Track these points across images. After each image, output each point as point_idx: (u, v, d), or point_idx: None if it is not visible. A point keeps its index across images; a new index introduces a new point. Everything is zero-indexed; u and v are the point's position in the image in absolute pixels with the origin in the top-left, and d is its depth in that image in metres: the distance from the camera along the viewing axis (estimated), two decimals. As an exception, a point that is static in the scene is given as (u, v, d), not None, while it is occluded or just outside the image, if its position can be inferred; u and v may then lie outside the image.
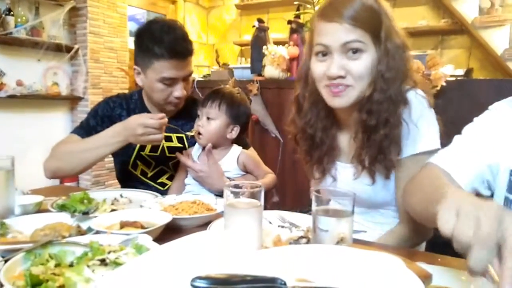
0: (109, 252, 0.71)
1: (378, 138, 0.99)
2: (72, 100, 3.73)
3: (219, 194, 1.30)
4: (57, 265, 0.69)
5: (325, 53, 0.99)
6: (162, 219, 0.92)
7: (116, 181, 1.62)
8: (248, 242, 0.70)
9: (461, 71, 3.17)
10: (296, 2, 2.74)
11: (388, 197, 1.07)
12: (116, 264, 0.68)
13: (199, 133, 1.34)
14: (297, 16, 2.58)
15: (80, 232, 0.85)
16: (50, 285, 0.61)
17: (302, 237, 0.86)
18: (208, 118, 1.34)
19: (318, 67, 1.01)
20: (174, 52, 1.30)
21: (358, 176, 1.06)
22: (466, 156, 0.89)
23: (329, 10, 0.97)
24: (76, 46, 3.60)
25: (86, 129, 1.46)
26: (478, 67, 4.04)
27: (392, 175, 1.03)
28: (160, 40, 1.30)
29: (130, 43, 4.23)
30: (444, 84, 2.10)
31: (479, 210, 0.50)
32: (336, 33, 0.95)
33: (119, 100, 1.54)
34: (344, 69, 0.96)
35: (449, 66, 3.56)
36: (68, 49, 3.55)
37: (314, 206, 0.73)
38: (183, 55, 1.32)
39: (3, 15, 3.08)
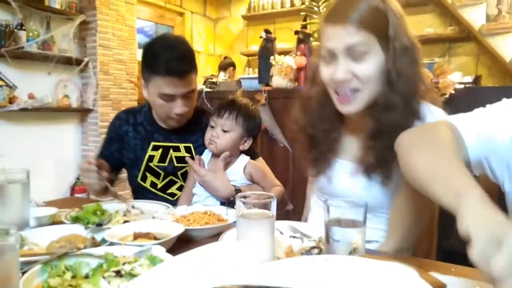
0: (124, 264, 0.72)
1: (382, 147, 0.99)
2: (82, 112, 3.78)
3: (225, 202, 1.31)
4: (73, 277, 0.70)
5: (331, 57, 0.98)
6: (174, 230, 0.93)
7: (125, 192, 1.64)
8: (261, 253, 0.71)
9: (469, 78, 3.16)
10: (302, 13, 2.77)
11: (385, 201, 1.06)
12: (131, 275, 0.69)
13: (212, 141, 1.35)
14: (304, 27, 2.60)
15: (95, 244, 0.86)
16: (67, 297, 0.62)
17: (314, 247, 0.86)
18: (223, 130, 1.35)
19: (325, 72, 1.01)
20: (169, 70, 1.31)
21: (356, 175, 1.05)
22: (483, 123, 0.82)
23: (333, 14, 0.98)
24: (86, 59, 3.66)
25: (99, 156, 1.55)
26: (487, 74, 4.02)
27: (390, 182, 1.02)
28: (159, 56, 1.32)
29: (139, 55, 4.29)
30: (452, 92, 2.10)
31: None
32: (340, 37, 0.94)
33: (126, 116, 1.57)
34: (350, 73, 0.95)
35: (457, 74, 3.55)
36: (78, 62, 3.61)
37: (326, 217, 0.73)
38: (178, 74, 1.32)
39: (15, 30, 3.15)
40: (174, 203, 1.43)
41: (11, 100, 3.15)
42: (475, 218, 0.52)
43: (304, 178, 1.44)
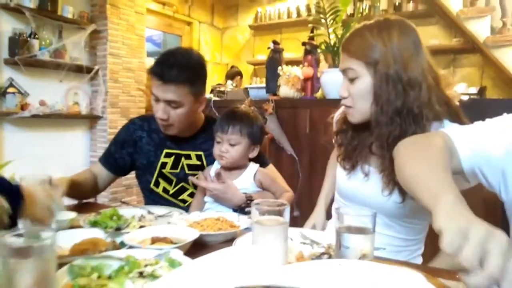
0: (145, 266, 0.76)
1: (384, 158, 1.08)
2: (92, 119, 3.85)
3: (237, 210, 1.35)
4: (98, 277, 0.74)
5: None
6: (190, 235, 0.97)
7: (132, 198, 1.69)
8: (275, 258, 0.75)
9: (474, 90, 3.20)
10: (310, 25, 2.83)
11: (402, 211, 1.11)
12: (153, 276, 0.73)
13: (222, 156, 1.39)
14: (311, 38, 2.66)
15: (115, 247, 0.91)
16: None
17: (323, 253, 0.90)
18: (230, 144, 1.38)
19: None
20: (156, 72, 1.38)
21: (385, 188, 1.11)
22: (478, 134, 0.88)
23: (343, 42, 1.14)
24: (96, 67, 3.74)
25: (106, 156, 1.62)
26: (491, 85, 4.06)
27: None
28: (158, 59, 1.42)
29: (148, 63, 4.37)
30: (457, 103, 2.14)
31: (489, 243, 0.53)
32: (341, 62, 1.13)
33: (141, 122, 1.62)
34: (347, 91, 1.11)
35: (462, 85, 3.60)
36: (89, 70, 3.69)
37: (337, 224, 0.77)
38: (162, 77, 1.36)
39: (29, 39, 3.23)
40: (186, 209, 1.48)
41: (23, 107, 3.23)
42: (446, 215, 0.61)
43: (310, 185, 1.49)
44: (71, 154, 3.74)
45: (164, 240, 0.94)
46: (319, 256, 0.89)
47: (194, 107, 1.47)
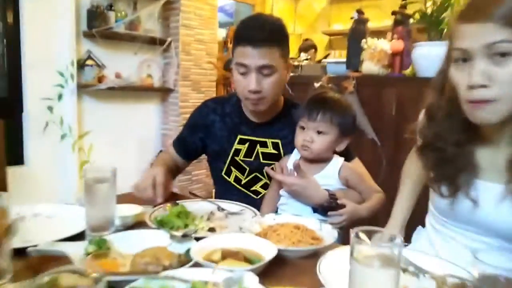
0: (214, 298, 0.63)
1: None
2: (164, 92, 3.84)
3: (317, 209, 1.18)
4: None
5: (465, 59, 0.82)
6: (266, 250, 0.82)
7: (199, 186, 1.59)
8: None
9: None
10: (402, -10, 2.47)
11: None
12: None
13: (305, 147, 1.21)
14: (403, 6, 2.31)
15: (181, 261, 0.78)
16: None
17: (438, 293, 0.70)
18: (318, 132, 1.20)
19: (456, 76, 0.85)
20: (245, 36, 1.25)
21: (505, 199, 0.86)
22: None
23: (470, 10, 0.82)
24: (169, 39, 3.69)
25: (179, 140, 1.56)
26: None
27: None
28: (242, 25, 1.30)
29: (219, 34, 4.25)
30: None
31: None
32: (478, 35, 0.79)
33: (214, 105, 1.49)
34: (488, 77, 0.79)
35: None
36: (162, 42, 3.64)
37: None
38: (252, 41, 1.22)
39: (105, 11, 3.24)
40: (258, 202, 1.34)
41: (100, 79, 3.29)
42: None
43: (394, 175, 1.26)
44: (144, 126, 3.79)
45: (237, 256, 0.80)
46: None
47: (284, 73, 1.34)
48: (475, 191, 0.91)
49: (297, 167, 1.17)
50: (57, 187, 3.06)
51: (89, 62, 3.25)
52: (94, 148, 3.30)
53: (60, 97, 3.09)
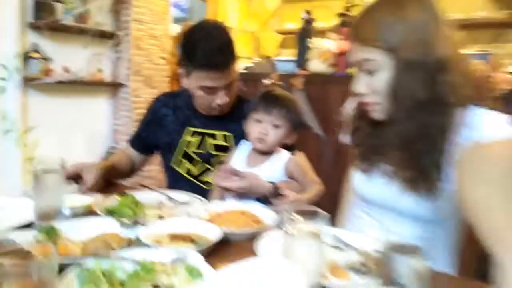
0: (161, 273, 0.68)
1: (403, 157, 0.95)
2: (115, 87, 3.78)
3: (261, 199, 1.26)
4: (110, 284, 0.67)
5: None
6: (212, 233, 0.88)
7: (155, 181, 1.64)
8: (309, 274, 0.65)
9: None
10: (346, -6, 2.62)
11: (418, 211, 0.97)
12: (170, 289, 0.65)
13: (261, 139, 1.29)
14: (347, 9, 2.46)
15: (131, 244, 0.83)
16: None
17: (363, 264, 0.80)
18: (274, 126, 1.28)
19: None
20: (209, 63, 1.29)
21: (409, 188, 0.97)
22: None
23: (351, 30, 0.99)
24: (120, 33, 3.63)
25: (135, 138, 1.61)
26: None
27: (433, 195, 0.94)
28: (197, 49, 1.29)
29: (173, 30, 4.22)
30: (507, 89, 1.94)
31: None
32: (352, 52, 0.96)
33: (166, 100, 1.55)
34: (365, 86, 0.95)
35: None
36: (112, 36, 3.58)
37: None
38: (218, 67, 1.29)
39: (53, 2, 3.13)
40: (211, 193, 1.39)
41: (46, 73, 3.18)
42: None
43: (338, 170, 1.38)
44: (95, 121, 3.70)
45: (184, 238, 0.86)
46: (358, 269, 0.78)
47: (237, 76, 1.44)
48: (388, 165, 1.02)
49: (233, 171, 1.23)
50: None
51: (34, 55, 3.13)
52: (42, 143, 3.19)
53: (3, 90, 2.96)
